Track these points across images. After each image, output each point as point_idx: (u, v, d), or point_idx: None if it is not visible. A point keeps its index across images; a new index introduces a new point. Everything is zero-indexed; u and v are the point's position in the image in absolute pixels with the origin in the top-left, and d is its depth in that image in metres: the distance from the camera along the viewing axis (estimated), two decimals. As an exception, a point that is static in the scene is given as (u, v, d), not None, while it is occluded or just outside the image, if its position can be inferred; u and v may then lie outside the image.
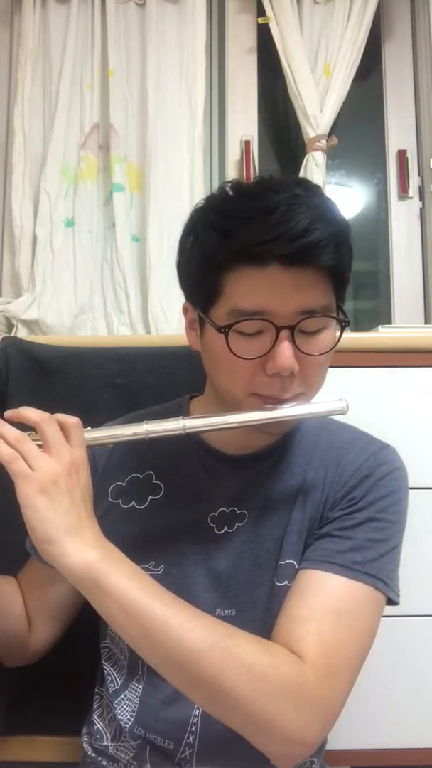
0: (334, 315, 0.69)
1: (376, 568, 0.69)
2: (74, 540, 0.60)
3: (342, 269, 0.69)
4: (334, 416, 0.73)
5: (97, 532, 0.64)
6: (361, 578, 0.68)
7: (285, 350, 0.66)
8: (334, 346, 0.70)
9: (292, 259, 0.64)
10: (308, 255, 0.64)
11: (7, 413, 0.65)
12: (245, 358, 0.67)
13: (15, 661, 0.85)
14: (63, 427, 0.64)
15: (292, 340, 0.66)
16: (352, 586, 0.68)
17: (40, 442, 0.63)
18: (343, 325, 0.71)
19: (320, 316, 0.67)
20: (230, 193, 0.70)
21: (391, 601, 0.72)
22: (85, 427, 0.67)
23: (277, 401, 0.69)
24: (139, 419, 0.69)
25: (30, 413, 0.64)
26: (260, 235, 0.64)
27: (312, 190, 0.70)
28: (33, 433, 0.64)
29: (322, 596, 0.68)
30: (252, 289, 0.66)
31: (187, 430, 0.69)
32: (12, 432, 0.62)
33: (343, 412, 0.72)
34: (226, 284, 0.67)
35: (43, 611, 0.83)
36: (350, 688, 0.66)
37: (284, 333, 0.66)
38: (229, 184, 0.71)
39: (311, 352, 0.68)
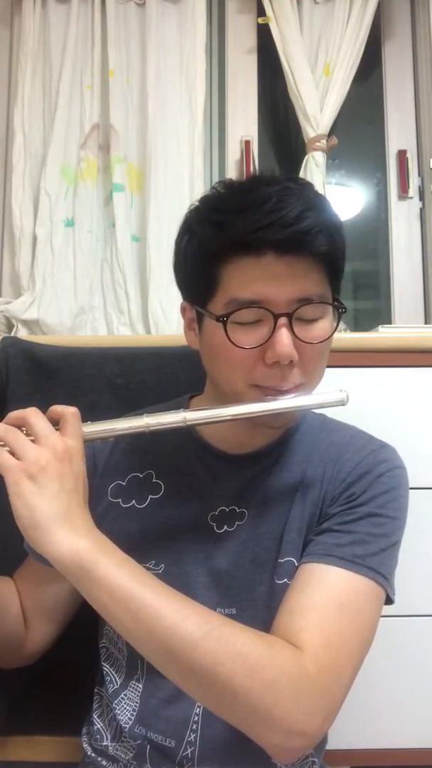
0: (331, 302, 0.70)
1: (377, 563, 0.69)
2: (63, 528, 0.60)
3: (336, 258, 0.70)
4: (335, 410, 0.73)
5: (87, 521, 0.63)
6: (362, 571, 0.68)
7: (283, 338, 0.66)
8: (332, 334, 0.71)
9: (285, 245, 0.65)
10: (301, 241, 0.66)
11: None
12: (245, 348, 0.68)
13: (11, 662, 0.84)
14: (60, 417, 0.64)
15: (290, 328, 0.67)
16: (353, 579, 0.68)
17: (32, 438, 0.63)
18: (341, 313, 0.71)
19: (317, 303, 0.68)
20: (222, 191, 0.72)
21: (387, 599, 0.71)
22: (85, 422, 0.67)
23: (277, 392, 0.69)
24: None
25: (14, 413, 0.64)
26: (253, 222, 0.65)
27: (303, 184, 0.71)
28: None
29: (322, 589, 0.67)
30: (248, 278, 0.67)
31: (188, 422, 0.69)
32: None
33: (343, 403, 0.72)
34: (223, 276, 0.68)
35: (40, 611, 0.82)
36: (352, 681, 0.65)
37: (282, 320, 0.67)
38: (221, 184, 0.73)
39: (310, 340, 0.69)
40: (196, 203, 0.74)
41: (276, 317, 0.67)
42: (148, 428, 0.68)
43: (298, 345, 0.68)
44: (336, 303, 0.71)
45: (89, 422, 0.68)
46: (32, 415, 0.64)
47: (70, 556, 0.59)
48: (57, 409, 0.65)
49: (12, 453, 0.61)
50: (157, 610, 0.59)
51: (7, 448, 0.62)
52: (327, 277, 0.70)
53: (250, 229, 0.65)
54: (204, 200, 0.73)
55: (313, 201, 0.68)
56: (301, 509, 0.75)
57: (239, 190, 0.70)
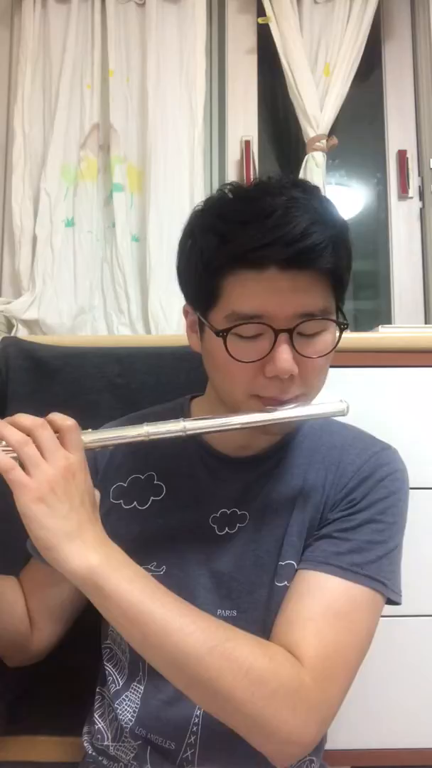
0: (333, 318, 0.69)
1: (375, 570, 0.70)
2: (75, 545, 0.60)
3: (340, 272, 0.69)
4: (334, 417, 0.73)
5: (99, 535, 0.63)
6: (360, 580, 0.69)
7: (283, 353, 0.66)
8: (333, 349, 0.70)
9: (289, 262, 0.64)
10: (306, 259, 0.64)
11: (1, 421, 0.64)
12: (244, 362, 0.67)
13: (17, 661, 0.85)
14: (58, 431, 0.64)
15: (291, 343, 0.66)
16: (350, 588, 0.68)
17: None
18: (342, 328, 0.70)
19: (319, 319, 0.67)
20: (229, 195, 0.70)
21: (392, 602, 0.72)
22: (85, 428, 0.67)
23: (277, 403, 0.69)
24: (139, 419, 0.69)
25: (23, 419, 0.63)
26: (257, 239, 0.63)
27: (311, 192, 0.69)
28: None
29: (320, 598, 0.68)
30: (250, 292, 0.66)
31: (188, 432, 0.69)
32: (16, 435, 0.62)
33: (343, 414, 0.72)
34: (224, 288, 0.67)
35: (45, 611, 0.83)
36: (347, 689, 0.67)
37: (283, 336, 0.66)
38: (228, 187, 0.71)
39: (310, 355, 0.68)
40: (201, 205, 0.73)
41: (276, 333, 0.66)
42: (148, 437, 0.68)
43: (299, 359, 0.67)
44: (339, 318, 0.70)
45: (89, 430, 0.67)
46: (40, 428, 0.62)
47: (82, 572, 0.60)
48: (56, 420, 0.64)
49: (21, 465, 0.61)
50: (164, 625, 0.60)
51: (14, 454, 0.61)
52: (331, 290, 0.69)
53: (254, 245, 0.64)
54: (209, 203, 0.72)
55: (320, 212, 0.66)
56: (303, 513, 0.75)
57: (244, 199, 0.68)
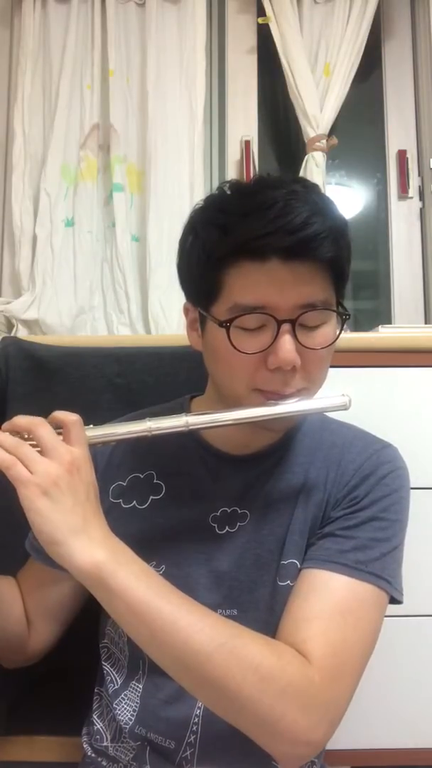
0: (335, 309, 0.70)
1: (379, 568, 0.70)
2: (80, 540, 0.60)
3: (341, 263, 0.69)
4: (336, 412, 0.73)
5: (104, 530, 0.63)
6: (365, 578, 0.69)
7: (286, 344, 0.66)
8: (335, 340, 0.70)
9: (290, 252, 0.65)
10: (307, 248, 0.65)
11: None
12: (247, 353, 0.67)
13: (14, 661, 0.84)
14: (63, 426, 0.64)
15: (293, 334, 0.67)
16: (355, 586, 0.68)
17: (39, 448, 0.62)
18: (344, 319, 0.71)
19: (320, 310, 0.68)
20: (228, 192, 0.71)
21: (394, 600, 0.72)
22: (87, 425, 0.67)
23: (279, 397, 0.69)
24: (140, 419, 0.69)
25: (20, 420, 0.63)
26: (259, 228, 0.64)
27: (310, 187, 0.70)
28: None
29: (326, 596, 0.68)
30: (252, 283, 0.66)
31: (190, 427, 0.69)
32: (7, 439, 0.62)
33: (345, 408, 0.72)
34: (226, 280, 0.68)
35: (43, 612, 0.82)
36: (355, 688, 0.66)
37: (285, 326, 0.66)
38: (228, 184, 0.72)
39: (312, 346, 0.68)
40: (201, 203, 0.73)
41: (279, 323, 0.66)
42: (150, 432, 0.68)
43: (301, 351, 0.67)
44: (340, 309, 0.71)
45: (91, 426, 0.67)
46: (38, 426, 0.62)
47: (88, 568, 0.59)
48: (59, 416, 0.64)
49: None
50: (172, 623, 0.60)
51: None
52: (332, 283, 0.69)
53: (256, 235, 0.64)
54: (209, 200, 0.73)
55: (320, 205, 0.67)
56: (305, 511, 0.75)
57: (245, 193, 0.69)
